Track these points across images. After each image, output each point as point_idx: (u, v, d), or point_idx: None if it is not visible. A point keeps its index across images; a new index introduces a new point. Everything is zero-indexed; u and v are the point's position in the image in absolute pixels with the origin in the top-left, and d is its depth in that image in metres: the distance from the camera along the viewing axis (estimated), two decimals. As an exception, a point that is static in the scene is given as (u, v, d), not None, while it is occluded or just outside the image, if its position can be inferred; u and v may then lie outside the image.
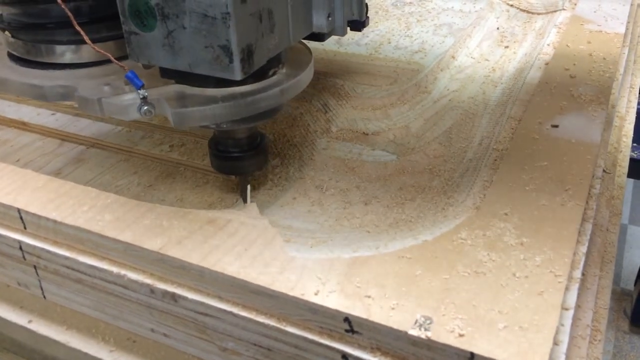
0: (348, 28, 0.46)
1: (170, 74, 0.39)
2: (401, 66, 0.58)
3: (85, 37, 0.38)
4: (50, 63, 0.42)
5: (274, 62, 0.41)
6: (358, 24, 0.47)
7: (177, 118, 0.38)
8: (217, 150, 0.44)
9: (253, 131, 0.44)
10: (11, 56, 0.44)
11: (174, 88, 0.39)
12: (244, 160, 0.44)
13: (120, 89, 0.38)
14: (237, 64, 0.36)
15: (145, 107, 0.37)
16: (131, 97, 0.38)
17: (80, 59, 0.42)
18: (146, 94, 0.37)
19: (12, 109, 0.59)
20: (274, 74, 0.41)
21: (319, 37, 0.45)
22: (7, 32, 0.43)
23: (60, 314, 0.45)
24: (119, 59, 0.39)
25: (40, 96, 0.41)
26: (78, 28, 0.38)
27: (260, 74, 0.39)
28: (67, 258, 0.40)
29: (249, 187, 0.45)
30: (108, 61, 0.39)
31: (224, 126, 0.41)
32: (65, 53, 0.42)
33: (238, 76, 0.36)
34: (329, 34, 0.45)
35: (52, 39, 0.42)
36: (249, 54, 0.36)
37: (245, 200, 0.45)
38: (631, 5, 0.69)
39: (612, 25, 0.63)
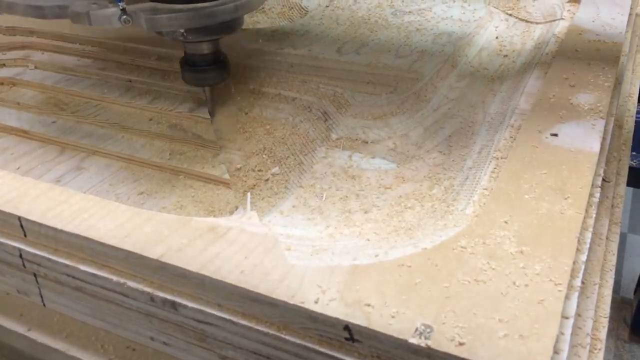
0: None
1: None
2: (401, 75, 0.58)
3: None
4: None
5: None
6: None
7: (149, 23, 0.47)
8: (187, 65, 0.54)
9: (217, 48, 0.54)
10: None
11: (149, 4, 0.49)
12: (209, 72, 0.54)
13: (105, 6, 0.49)
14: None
15: (124, 17, 0.47)
16: (113, 10, 0.47)
17: None
18: (125, 6, 0.47)
19: (13, 117, 0.60)
20: None
21: None
22: None
23: (60, 322, 0.45)
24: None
25: (41, 15, 0.50)
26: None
27: None
28: (67, 266, 0.39)
29: (249, 195, 0.46)
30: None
31: (190, 37, 0.50)
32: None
33: None
34: None
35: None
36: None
37: (211, 113, 0.56)
38: (629, 15, 0.70)
39: (610, 34, 0.63)
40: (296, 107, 0.55)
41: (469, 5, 0.77)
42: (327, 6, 0.79)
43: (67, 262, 0.39)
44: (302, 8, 0.79)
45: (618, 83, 0.58)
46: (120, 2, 0.47)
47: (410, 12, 0.76)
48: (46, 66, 0.66)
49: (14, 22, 0.74)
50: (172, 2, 0.48)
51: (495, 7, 0.78)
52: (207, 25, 0.49)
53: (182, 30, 0.50)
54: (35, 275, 0.42)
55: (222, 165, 0.51)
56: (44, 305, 0.44)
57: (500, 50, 0.69)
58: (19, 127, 0.58)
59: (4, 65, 0.67)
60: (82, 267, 0.39)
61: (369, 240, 0.41)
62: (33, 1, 0.50)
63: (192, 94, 0.58)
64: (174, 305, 0.36)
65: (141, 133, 0.55)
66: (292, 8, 0.80)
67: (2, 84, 0.65)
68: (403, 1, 0.80)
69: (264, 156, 0.51)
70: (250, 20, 0.78)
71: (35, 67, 0.66)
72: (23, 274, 0.43)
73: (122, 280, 0.38)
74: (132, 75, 0.62)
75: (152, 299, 0.37)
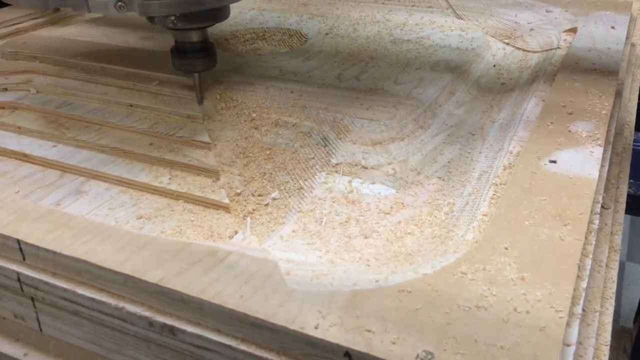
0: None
1: None
2: (400, 101, 0.59)
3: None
4: None
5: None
6: None
7: (142, 8, 0.52)
8: (177, 52, 0.59)
9: (205, 37, 0.58)
10: None
11: None
12: (198, 59, 0.58)
13: None
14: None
15: (119, 3, 0.51)
16: None
17: None
18: None
19: (13, 141, 0.60)
20: None
21: None
22: None
23: (57, 347, 0.44)
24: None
25: (43, 3, 0.54)
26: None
27: None
28: (65, 290, 0.39)
29: (248, 219, 0.46)
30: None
31: (180, 25, 0.54)
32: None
33: None
34: None
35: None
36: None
37: (199, 100, 0.60)
38: (625, 44, 0.71)
39: (606, 63, 0.64)
40: (296, 132, 0.56)
41: (467, 34, 0.78)
42: (327, 34, 0.80)
43: (65, 285, 0.39)
44: (303, 35, 0.80)
45: (615, 111, 0.59)
46: None
47: (408, 40, 0.77)
48: (48, 90, 0.66)
49: (17, 47, 0.75)
50: None
51: (492, 36, 0.79)
52: (195, 12, 0.54)
53: (172, 18, 0.54)
54: (32, 299, 0.42)
55: (222, 190, 0.51)
56: (41, 330, 0.44)
57: (498, 78, 0.69)
58: (19, 150, 0.58)
59: (6, 89, 0.67)
60: (80, 291, 0.39)
61: (369, 265, 0.41)
62: None
63: (193, 119, 0.59)
64: (172, 330, 0.36)
65: (141, 157, 0.55)
66: (292, 35, 0.81)
67: (4, 107, 0.65)
68: (402, 30, 0.81)
69: (263, 181, 0.51)
70: (251, 47, 0.79)
71: (37, 92, 0.66)
72: (20, 298, 0.43)
73: (120, 305, 0.38)
74: (133, 100, 0.62)
75: (150, 323, 0.37)
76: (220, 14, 0.57)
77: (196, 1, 0.53)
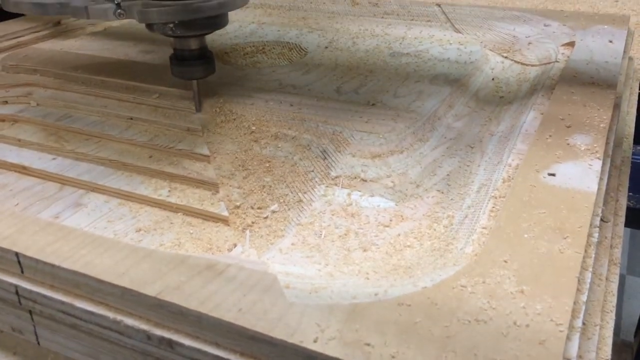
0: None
1: None
2: (399, 114, 0.59)
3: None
4: None
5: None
6: None
7: (141, 15, 0.53)
8: (176, 60, 0.60)
9: (203, 44, 0.59)
10: None
11: (141, 1, 0.54)
12: (197, 66, 0.59)
13: (101, 2, 0.54)
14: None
15: (119, 11, 0.52)
16: (109, 5, 0.53)
17: None
18: (120, 1, 0.53)
19: (13, 153, 0.60)
20: None
21: None
22: None
23: (54, 361, 0.44)
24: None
25: (44, 11, 0.55)
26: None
27: None
28: (63, 303, 0.39)
29: (247, 232, 0.45)
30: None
31: (179, 32, 0.55)
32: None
33: None
34: None
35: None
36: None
37: (198, 108, 0.61)
38: (622, 58, 0.71)
39: (604, 77, 0.65)
40: (296, 145, 0.56)
41: (465, 48, 0.79)
42: (326, 47, 0.80)
43: (63, 298, 0.39)
44: (302, 49, 0.81)
45: (613, 124, 0.59)
46: None
47: (407, 53, 0.77)
48: (48, 103, 0.66)
49: (18, 60, 0.75)
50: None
51: (491, 50, 0.80)
52: (193, 19, 0.55)
53: (171, 25, 0.55)
54: (30, 312, 0.42)
55: (221, 202, 0.51)
56: (39, 343, 0.44)
57: (497, 91, 0.70)
58: (19, 163, 0.58)
59: (6, 102, 0.68)
60: (79, 304, 0.39)
61: (368, 278, 0.41)
62: (36, 0, 0.55)
63: (193, 131, 0.59)
64: (170, 343, 0.36)
65: (141, 170, 0.56)
66: (291, 49, 0.82)
67: (4, 120, 0.65)
68: (401, 43, 0.81)
69: (263, 194, 0.51)
70: (251, 60, 0.79)
71: (38, 104, 0.67)
72: (18, 311, 0.43)
73: (118, 318, 0.37)
74: (133, 112, 0.63)
75: (148, 337, 0.37)
76: (218, 21, 0.58)
77: (194, 8, 0.54)
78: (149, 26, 0.57)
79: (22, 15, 0.91)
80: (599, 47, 0.73)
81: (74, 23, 0.94)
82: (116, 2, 0.53)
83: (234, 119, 0.60)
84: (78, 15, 0.54)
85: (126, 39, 0.84)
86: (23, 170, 0.58)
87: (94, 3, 0.54)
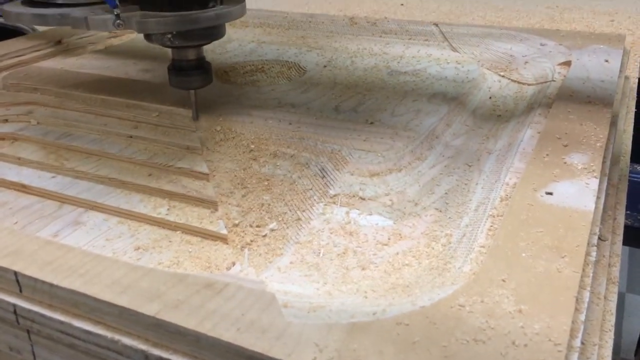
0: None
1: (135, 1, 0.56)
2: (397, 133, 0.60)
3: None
4: (51, 3, 0.58)
5: (214, -1, 0.58)
6: None
7: (139, 25, 0.54)
8: (174, 70, 0.61)
9: (201, 55, 0.60)
10: (24, 2, 0.60)
11: (140, 12, 0.55)
12: (195, 76, 0.60)
13: (101, 13, 0.55)
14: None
15: (118, 21, 0.53)
16: (109, 16, 0.54)
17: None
18: (119, 12, 0.54)
19: (12, 172, 0.60)
20: (213, 6, 0.58)
21: None
22: None
23: (51, 381, 0.44)
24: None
25: (44, 22, 0.57)
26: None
27: (202, 3, 0.56)
28: (61, 322, 0.39)
29: (246, 251, 0.45)
30: (92, 3, 0.57)
31: (177, 42, 0.57)
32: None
33: None
34: None
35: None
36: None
37: (195, 117, 0.62)
38: (619, 77, 0.72)
39: (601, 96, 0.65)
40: (294, 163, 0.56)
41: (463, 67, 0.79)
42: (325, 66, 0.81)
43: (61, 318, 0.39)
44: (301, 68, 0.81)
45: (610, 143, 0.59)
46: (114, 7, 0.53)
47: (405, 72, 0.78)
48: (48, 122, 0.67)
49: (18, 79, 0.75)
50: (158, 9, 0.56)
51: (488, 69, 0.80)
52: (191, 29, 0.56)
53: (169, 35, 0.56)
54: (28, 331, 0.42)
55: (220, 221, 0.51)
56: (36, 362, 0.43)
57: (494, 110, 0.70)
58: (19, 181, 0.58)
59: (6, 120, 0.68)
60: (77, 324, 0.39)
61: (366, 297, 0.41)
62: (37, 11, 0.57)
63: (192, 150, 0.59)
64: (168, 363, 0.36)
65: (140, 188, 0.56)
66: (290, 68, 0.82)
67: (4, 139, 0.65)
68: (399, 62, 0.82)
69: (262, 212, 0.52)
70: (250, 79, 0.80)
71: (38, 123, 0.67)
72: (16, 330, 0.42)
73: (116, 337, 0.37)
74: (133, 131, 0.63)
75: (146, 357, 0.36)
76: (216, 32, 0.59)
77: (192, 19, 0.55)
78: (148, 36, 0.58)
79: (24, 34, 0.92)
80: (595, 66, 0.74)
81: (74, 42, 0.95)
82: (115, 13, 0.54)
83: (233, 137, 0.61)
84: (78, 26, 0.55)
85: (127, 57, 0.85)
86: (22, 188, 0.58)
87: (94, 14, 0.55)
